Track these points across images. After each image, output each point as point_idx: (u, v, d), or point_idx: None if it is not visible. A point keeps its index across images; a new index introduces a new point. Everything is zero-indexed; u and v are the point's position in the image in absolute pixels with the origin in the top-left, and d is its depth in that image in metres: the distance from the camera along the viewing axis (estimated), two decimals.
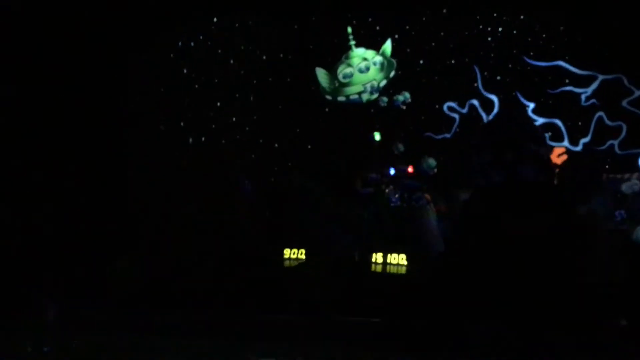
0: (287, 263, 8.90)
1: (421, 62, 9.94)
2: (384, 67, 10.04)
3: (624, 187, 8.49)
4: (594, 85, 9.21)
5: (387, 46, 10.06)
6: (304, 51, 10.24)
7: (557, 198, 7.02)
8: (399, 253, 8.66)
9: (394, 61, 10.04)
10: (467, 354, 6.05)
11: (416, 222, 8.81)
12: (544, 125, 9.32)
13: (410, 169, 9.58)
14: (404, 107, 9.90)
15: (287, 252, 8.95)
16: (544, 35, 9.44)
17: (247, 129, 10.23)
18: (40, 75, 8.61)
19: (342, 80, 10.13)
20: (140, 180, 9.53)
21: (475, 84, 9.71)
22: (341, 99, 10.19)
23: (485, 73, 9.70)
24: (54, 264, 7.83)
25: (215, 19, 10.27)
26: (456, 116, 9.78)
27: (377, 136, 9.86)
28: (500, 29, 9.63)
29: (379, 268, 8.65)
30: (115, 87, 9.37)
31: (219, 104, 10.21)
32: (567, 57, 9.33)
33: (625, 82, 9.06)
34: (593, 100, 9.21)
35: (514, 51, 9.58)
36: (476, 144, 8.84)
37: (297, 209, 9.27)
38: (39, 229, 8.16)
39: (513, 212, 6.58)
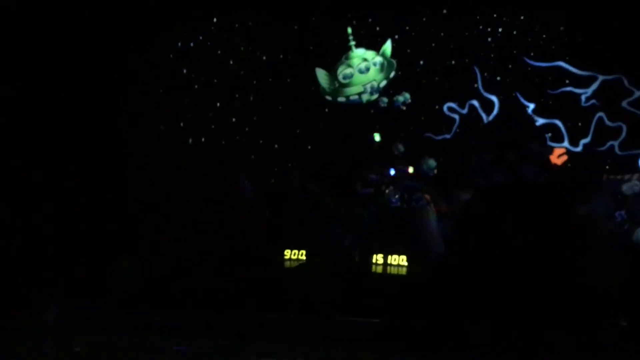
0: (287, 263, 8.92)
1: (421, 62, 9.91)
2: (384, 68, 10.03)
3: (624, 188, 8.49)
4: (594, 86, 9.19)
5: (387, 47, 10.04)
6: (303, 52, 10.22)
7: (557, 199, 7.01)
8: (399, 254, 8.67)
9: (394, 62, 10.02)
10: (467, 354, 6.05)
11: (416, 223, 8.81)
12: (544, 125, 9.30)
13: (410, 170, 9.57)
14: (404, 108, 9.88)
15: (287, 253, 8.97)
16: (544, 36, 9.42)
17: (246, 129, 10.21)
18: (40, 75, 8.62)
19: (342, 81, 10.12)
20: (140, 181, 9.53)
21: (476, 85, 9.69)
22: (341, 99, 10.17)
23: (485, 74, 9.67)
24: (54, 264, 7.84)
25: (215, 19, 10.27)
26: (456, 117, 9.75)
27: (377, 137, 9.85)
28: (500, 30, 9.61)
29: (379, 269, 8.66)
30: (115, 87, 9.39)
31: (218, 104, 10.21)
32: (567, 58, 9.30)
33: (626, 82, 9.03)
34: (593, 101, 9.19)
35: (514, 52, 9.55)
36: (476, 145, 8.85)
37: (297, 209, 9.28)
38: (39, 229, 8.17)
39: (513, 212, 6.58)
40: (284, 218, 9.35)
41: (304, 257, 8.97)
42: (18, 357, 5.76)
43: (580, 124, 9.24)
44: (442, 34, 9.82)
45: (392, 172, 9.52)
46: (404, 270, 8.62)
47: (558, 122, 9.33)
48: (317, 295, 7.48)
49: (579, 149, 9.22)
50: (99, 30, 8.93)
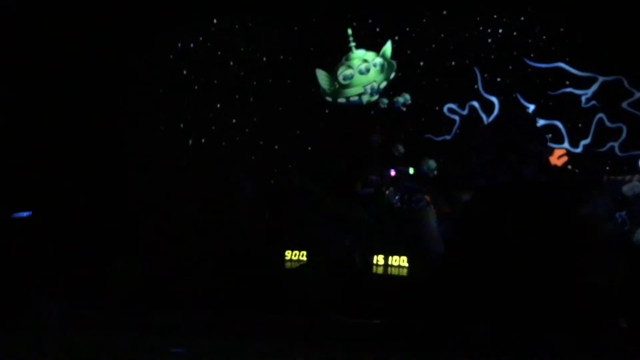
0: (288, 264, 8.91)
1: (421, 63, 9.91)
2: (384, 69, 10.03)
3: (625, 188, 8.46)
4: (594, 87, 9.18)
5: (387, 48, 10.04)
6: (304, 53, 10.23)
7: (557, 200, 7.03)
8: (400, 255, 8.66)
9: (394, 63, 10.02)
10: (467, 354, 6.06)
11: (416, 224, 8.80)
12: (544, 126, 9.29)
13: (410, 171, 9.57)
14: (404, 109, 9.88)
15: (288, 254, 8.96)
16: (544, 37, 9.42)
17: (247, 130, 10.22)
18: (40, 75, 8.63)
19: (342, 82, 10.12)
20: (140, 181, 9.54)
21: (476, 86, 9.68)
22: (341, 100, 10.17)
23: (486, 75, 9.67)
24: (54, 264, 7.84)
25: (215, 20, 10.29)
26: (456, 118, 9.75)
27: (377, 138, 9.84)
28: (500, 31, 9.62)
29: (380, 270, 8.66)
30: (116, 87, 9.40)
31: (219, 104, 10.22)
32: (567, 59, 9.30)
33: (626, 83, 9.03)
34: (593, 102, 9.18)
35: (514, 53, 9.55)
36: (477, 146, 8.85)
37: (298, 210, 9.28)
38: (39, 229, 8.17)
39: (513, 213, 6.59)
40: (284, 219, 9.35)
41: (304, 258, 8.96)
42: (18, 357, 5.76)
43: (580, 125, 9.23)
44: (442, 35, 9.83)
45: (393, 173, 9.52)
46: (404, 271, 8.61)
47: (558, 123, 9.32)
48: (317, 295, 7.48)
49: (579, 150, 9.21)
50: (99, 30, 8.95)
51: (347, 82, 10.11)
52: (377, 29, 10.12)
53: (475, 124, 9.66)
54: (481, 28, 9.68)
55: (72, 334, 6.51)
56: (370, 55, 10.11)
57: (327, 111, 10.27)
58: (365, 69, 10.05)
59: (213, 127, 10.16)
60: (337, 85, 10.17)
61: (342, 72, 10.12)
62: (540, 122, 9.33)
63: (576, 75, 9.29)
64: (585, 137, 9.19)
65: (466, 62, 9.74)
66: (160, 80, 10.05)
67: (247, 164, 10.02)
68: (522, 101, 9.49)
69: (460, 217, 8.14)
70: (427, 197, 8.92)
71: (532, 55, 9.48)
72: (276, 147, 10.20)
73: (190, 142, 10.04)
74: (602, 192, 8.41)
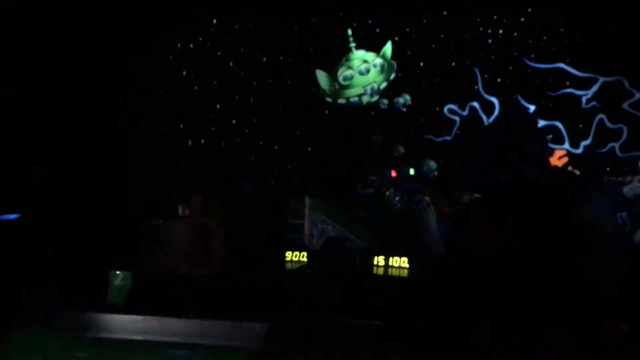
0: (288, 265, 8.91)
1: (421, 64, 9.93)
2: (384, 70, 10.04)
3: (625, 189, 8.47)
4: (595, 88, 9.19)
5: (388, 48, 10.06)
6: (304, 53, 10.25)
7: (558, 200, 7.02)
8: (400, 256, 8.66)
9: (394, 63, 10.03)
10: (467, 354, 6.04)
11: (416, 225, 8.80)
12: (544, 127, 9.30)
13: (410, 171, 9.58)
14: (405, 110, 9.89)
15: (288, 255, 8.96)
16: (544, 38, 9.43)
17: (247, 130, 10.23)
18: (40, 75, 8.63)
19: (343, 83, 10.13)
20: (140, 181, 9.54)
21: (476, 86, 9.70)
22: (341, 101, 10.18)
23: (486, 75, 9.69)
24: (54, 264, 7.83)
25: (215, 20, 10.29)
26: (457, 118, 9.76)
27: (377, 139, 9.84)
28: (500, 31, 9.63)
29: (380, 271, 8.66)
30: (116, 87, 9.40)
31: (219, 105, 10.23)
32: (567, 60, 9.31)
33: (626, 84, 9.03)
34: (594, 103, 9.19)
35: (515, 53, 9.57)
36: (477, 146, 8.85)
37: (298, 211, 9.28)
38: (39, 229, 8.16)
39: (514, 214, 6.58)
40: (284, 220, 9.35)
41: (305, 259, 8.95)
42: (18, 357, 5.75)
43: (581, 125, 9.24)
44: (442, 35, 9.84)
45: (393, 173, 9.52)
46: (404, 272, 8.60)
47: (559, 124, 9.33)
48: (318, 296, 7.47)
49: (579, 150, 9.21)
50: (99, 30, 8.95)
51: (347, 82, 10.12)
52: (377, 30, 10.13)
53: (476, 124, 9.67)
54: (481, 29, 9.69)
55: (72, 334, 6.48)
56: (370, 55, 10.12)
57: (327, 112, 10.29)
58: (366, 69, 10.06)
59: (213, 128, 10.18)
60: (337, 86, 10.17)
61: (342, 72, 10.13)
62: (541, 123, 9.33)
63: (576, 76, 9.29)
64: (586, 138, 9.19)
65: (466, 63, 9.75)
66: (160, 80, 10.06)
67: (247, 165, 10.03)
68: (523, 102, 9.50)
69: (461, 218, 8.12)
70: (428, 198, 8.92)
71: (532, 55, 9.49)
72: (276, 147, 10.22)
73: (190, 142, 10.05)
74: (603, 192, 8.40)
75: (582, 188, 8.44)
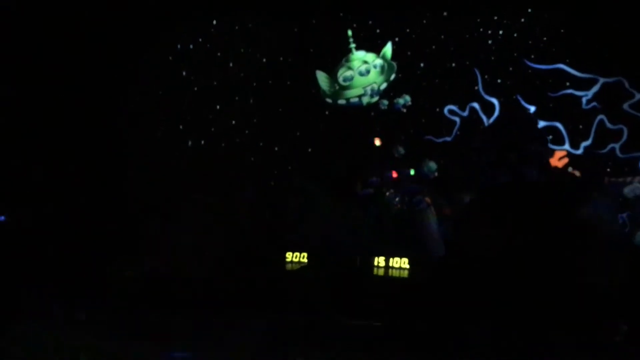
0: (289, 266, 8.91)
1: (422, 65, 9.91)
2: (384, 70, 10.03)
3: (626, 190, 8.46)
4: (595, 88, 9.17)
5: (388, 49, 10.05)
6: (304, 54, 10.24)
7: (558, 201, 7.02)
8: (401, 257, 8.67)
9: (394, 64, 10.02)
10: (467, 354, 6.05)
11: (417, 226, 8.80)
12: (544, 128, 9.28)
13: (411, 172, 9.57)
14: (405, 110, 9.88)
15: (289, 256, 8.97)
16: (544, 38, 9.41)
17: (247, 131, 10.23)
18: (40, 75, 8.64)
19: (343, 83, 10.12)
20: (140, 181, 9.54)
21: (476, 87, 9.68)
22: (341, 102, 10.17)
23: (486, 76, 9.67)
24: (55, 264, 7.84)
25: (215, 21, 10.29)
26: (457, 119, 9.74)
27: (377, 141, 9.84)
28: (500, 32, 9.61)
29: (381, 272, 8.66)
30: (116, 87, 9.40)
31: (219, 106, 10.23)
32: (567, 60, 9.29)
33: (627, 85, 9.01)
34: (594, 104, 9.17)
35: (515, 54, 9.54)
36: (477, 147, 8.85)
37: (298, 212, 9.28)
38: (39, 229, 8.18)
39: (514, 214, 6.59)
40: (284, 220, 9.36)
41: (305, 260, 8.96)
42: (18, 357, 5.76)
43: (581, 126, 9.21)
44: (442, 36, 9.82)
45: (394, 174, 9.52)
46: (405, 273, 8.61)
47: (559, 125, 9.31)
48: (318, 297, 7.48)
49: (580, 151, 9.19)
50: (99, 30, 8.96)
51: (347, 83, 10.11)
52: (377, 30, 10.12)
53: (476, 125, 9.66)
54: (481, 29, 9.67)
55: (72, 334, 6.48)
56: (370, 56, 10.11)
57: (327, 112, 10.27)
58: (366, 70, 10.05)
59: (213, 128, 10.18)
60: (337, 87, 10.17)
61: (342, 73, 10.12)
62: (541, 124, 9.32)
63: (577, 77, 9.27)
64: (586, 139, 9.17)
65: (466, 64, 9.73)
66: (160, 80, 10.06)
67: (247, 165, 10.03)
68: (523, 102, 9.48)
69: (461, 219, 8.14)
70: (428, 199, 8.92)
71: (532, 56, 9.47)
72: (276, 148, 10.21)
73: (190, 143, 10.05)
74: (603, 193, 8.40)
75: (583, 189, 8.43)
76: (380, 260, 8.78)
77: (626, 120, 8.99)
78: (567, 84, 9.29)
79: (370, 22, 10.10)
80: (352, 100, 10.12)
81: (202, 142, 10.10)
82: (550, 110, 9.35)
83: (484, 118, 9.66)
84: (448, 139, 9.76)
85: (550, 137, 9.25)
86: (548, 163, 8.85)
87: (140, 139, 9.74)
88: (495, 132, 9.38)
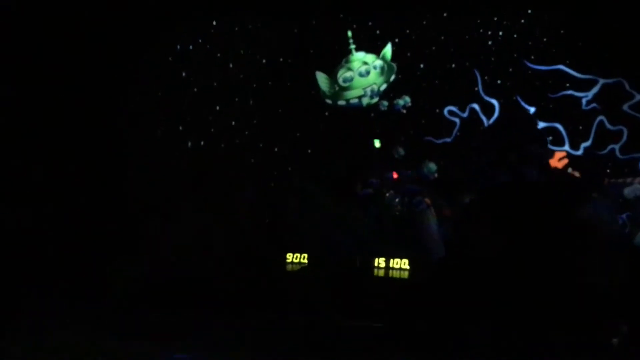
0: (289, 267, 8.92)
1: (421, 66, 9.91)
2: (384, 71, 10.04)
3: (626, 191, 8.47)
4: (595, 89, 9.18)
5: (388, 50, 10.05)
6: (304, 55, 10.24)
7: (558, 202, 7.01)
8: (401, 258, 8.67)
9: (394, 65, 10.03)
10: (468, 354, 6.05)
11: (416, 227, 8.80)
12: (544, 129, 9.29)
13: (410, 173, 9.58)
14: (405, 111, 9.88)
15: (289, 256, 8.97)
16: (544, 39, 9.42)
17: (246, 132, 10.23)
18: (40, 75, 8.65)
19: (342, 84, 10.12)
20: (140, 181, 9.54)
21: (476, 88, 9.68)
22: (341, 103, 10.18)
23: (486, 77, 9.67)
24: (55, 264, 7.84)
25: (214, 22, 10.29)
26: (457, 120, 9.75)
27: (377, 143, 9.83)
28: (500, 33, 9.62)
29: (381, 273, 8.67)
30: (115, 87, 9.40)
31: (218, 106, 10.22)
32: (567, 61, 9.30)
33: (626, 86, 9.02)
34: (594, 105, 9.18)
35: (515, 55, 9.55)
36: (477, 148, 8.84)
37: (298, 212, 9.28)
38: (39, 229, 8.18)
39: (514, 215, 6.58)
40: (284, 221, 9.36)
41: (306, 261, 8.96)
42: (18, 357, 5.76)
43: (581, 127, 9.22)
44: (442, 37, 9.83)
45: (394, 175, 9.52)
46: (405, 274, 8.61)
47: (559, 126, 9.32)
48: (319, 298, 7.48)
49: (579, 152, 9.20)
50: (99, 30, 8.97)
51: (347, 84, 10.12)
52: (377, 31, 10.12)
53: (476, 126, 9.67)
54: (481, 30, 9.68)
55: (72, 334, 6.48)
56: (370, 57, 10.12)
57: (327, 113, 10.27)
58: (365, 71, 10.06)
59: (213, 129, 10.17)
60: (337, 88, 10.17)
61: (342, 74, 10.12)
62: (541, 125, 9.32)
63: (576, 78, 9.28)
64: (586, 140, 9.18)
65: (466, 65, 9.74)
66: (160, 81, 10.06)
67: (247, 166, 10.03)
68: (523, 103, 9.49)
69: (461, 219, 8.13)
70: (427, 200, 8.92)
71: (532, 57, 9.48)
72: (276, 149, 10.21)
73: (190, 143, 10.05)
74: (603, 194, 8.40)
75: (583, 190, 8.43)
76: (380, 261, 8.78)
77: (626, 121, 9.00)
78: (567, 84, 9.29)
79: (370, 23, 10.11)
80: (352, 101, 10.12)
81: (202, 142, 10.10)
82: (550, 111, 9.36)
83: (484, 119, 9.67)
84: (448, 140, 9.77)
85: (550, 138, 9.25)
86: (548, 164, 8.84)
87: (140, 139, 9.74)
88: (495, 133, 9.38)
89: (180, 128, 10.06)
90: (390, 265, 8.75)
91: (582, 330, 6.10)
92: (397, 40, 10.05)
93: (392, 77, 10.02)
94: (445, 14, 9.74)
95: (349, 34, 10.09)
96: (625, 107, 9.02)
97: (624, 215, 8.39)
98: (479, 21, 9.67)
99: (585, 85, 9.23)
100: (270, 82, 10.28)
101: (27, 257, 7.72)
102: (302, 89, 10.24)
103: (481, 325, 6.27)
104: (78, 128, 8.91)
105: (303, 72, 10.27)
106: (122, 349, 6.02)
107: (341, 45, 10.15)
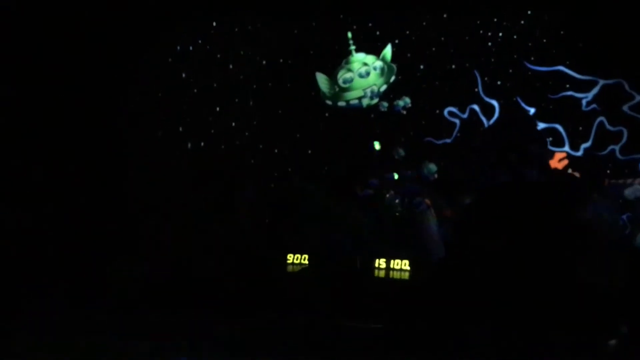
0: (290, 267, 8.91)
1: (421, 67, 9.92)
2: (384, 72, 10.04)
3: (627, 192, 8.47)
4: (595, 90, 9.18)
5: (388, 51, 10.05)
6: (304, 56, 10.24)
7: (558, 203, 7.00)
8: (402, 259, 8.66)
9: (394, 66, 10.03)
10: (467, 354, 6.05)
11: (417, 227, 8.80)
12: (544, 130, 9.29)
13: (410, 174, 9.58)
14: (405, 112, 9.87)
15: (290, 257, 8.96)
16: (544, 40, 9.42)
17: (246, 133, 10.23)
18: (40, 75, 8.65)
19: (342, 85, 10.12)
20: (140, 181, 9.55)
21: (476, 89, 9.69)
22: (341, 104, 10.17)
23: (486, 78, 9.68)
24: (54, 264, 7.84)
25: (214, 22, 10.29)
26: (457, 121, 9.75)
27: (377, 145, 9.83)
28: (500, 34, 9.62)
29: (382, 273, 8.66)
30: (115, 87, 9.40)
31: (218, 107, 10.22)
32: (567, 62, 9.30)
33: (626, 86, 9.02)
34: (594, 105, 9.18)
35: (515, 56, 9.55)
36: (477, 148, 8.85)
37: (298, 213, 9.28)
38: (39, 229, 8.18)
39: (514, 216, 6.57)
40: (285, 222, 9.35)
41: (306, 261, 8.96)
42: (18, 357, 5.76)
43: (581, 128, 9.23)
44: (442, 38, 9.83)
45: (393, 176, 9.52)
46: (406, 275, 8.60)
47: (559, 127, 9.32)
48: (319, 298, 7.48)
49: (579, 153, 9.20)
50: (99, 30, 8.97)
51: (347, 85, 10.11)
52: (377, 32, 10.12)
53: (476, 127, 9.67)
54: (481, 31, 9.68)
55: (72, 334, 6.48)
56: (370, 58, 10.11)
57: (327, 114, 10.27)
58: (365, 72, 10.05)
59: (213, 129, 10.17)
60: (337, 89, 10.17)
61: (342, 75, 10.12)
62: (541, 126, 9.33)
63: (576, 79, 9.28)
64: (586, 141, 9.18)
65: (466, 65, 9.74)
66: (160, 81, 10.05)
67: (248, 167, 10.03)
68: (523, 104, 9.49)
69: (461, 220, 8.12)
70: (428, 201, 8.92)
71: (532, 58, 9.48)
72: (276, 149, 10.22)
73: (190, 143, 10.05)
74: (603, 195, 8.40)
75: (583, 191, 8.42)
76: (381, 262, 8.77)
77: (626, 122, 9.01)
78: (567, 85, 9.30)
79: (370, 24, 10.10)
80: (351, 102, 10.12)
81: (202, 142, 10.10)
82: (550, 112, 9.36)
83: (484, 120, 9.67)
84: (448, 140, 9.77)
85: (550, 139, 9.25)
86: (548, 165, 8.83)
87: (140, 139, 9.74)
88: (495, 134, 9.39)
89: (181, 128, 10.06)
90: (391, 266, 8.74)
91: (582, 330, 6.09)
92: (397, 41, 10.04)
93: (392, 78, 10.02)
94: (445, 15, 9.74)
95: (349, 34, 10.08)
96: (625, 108, 9.02)
97: (624, 216, 8.38)
98: (478, 22, 9.67)
99: (585, 86, 9.23)
100: (270, 83, 10.29)
101: (27, 257, 7.73)
102: (302, 90, 10.23)
103: (481, 326, 6.26)
104: (78, 128, 8.91)
105: (303, 72, 10.26)
106: (122, 349, 6.01)
107: (341, 46, 10.14)
